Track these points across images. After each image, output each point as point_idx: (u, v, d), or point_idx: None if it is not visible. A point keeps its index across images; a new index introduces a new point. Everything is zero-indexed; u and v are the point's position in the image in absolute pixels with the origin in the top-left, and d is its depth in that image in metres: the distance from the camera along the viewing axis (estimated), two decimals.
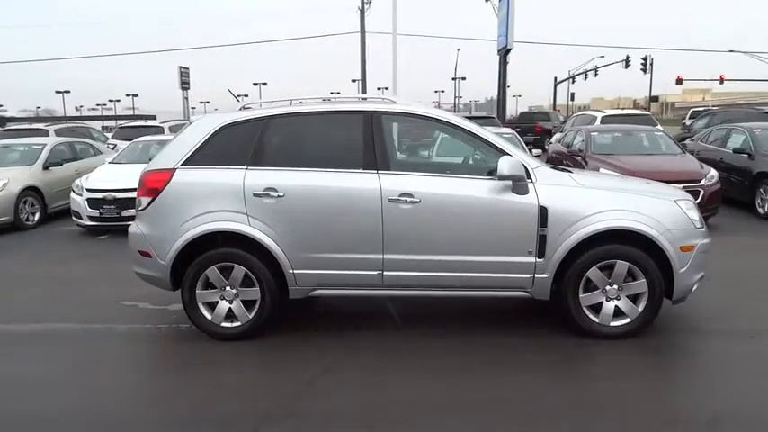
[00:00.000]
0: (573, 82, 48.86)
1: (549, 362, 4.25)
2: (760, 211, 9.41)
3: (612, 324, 4.51)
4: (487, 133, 4.67)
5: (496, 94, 29.42)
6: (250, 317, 4.62)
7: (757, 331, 4.69)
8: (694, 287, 4.57)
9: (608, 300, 4.51)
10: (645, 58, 39.57)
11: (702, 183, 8.56)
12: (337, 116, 4.74)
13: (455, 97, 65.55)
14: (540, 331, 4.74)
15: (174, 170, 4.62)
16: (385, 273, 4.51)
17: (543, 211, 4.37)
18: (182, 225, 4.54)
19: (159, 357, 4.65)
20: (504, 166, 4.29)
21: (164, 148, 4.96)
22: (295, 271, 4.54)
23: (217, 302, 4.65)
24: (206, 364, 4.36)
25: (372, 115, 4.61)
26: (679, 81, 46.78)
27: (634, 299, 4.50)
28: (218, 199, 4.54)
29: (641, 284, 4.45)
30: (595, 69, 44.91)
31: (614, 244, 4.42)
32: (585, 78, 46.61)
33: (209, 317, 4.66)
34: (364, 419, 3.48)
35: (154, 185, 4.65)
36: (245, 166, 4.58)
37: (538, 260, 4.43)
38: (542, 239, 4.40)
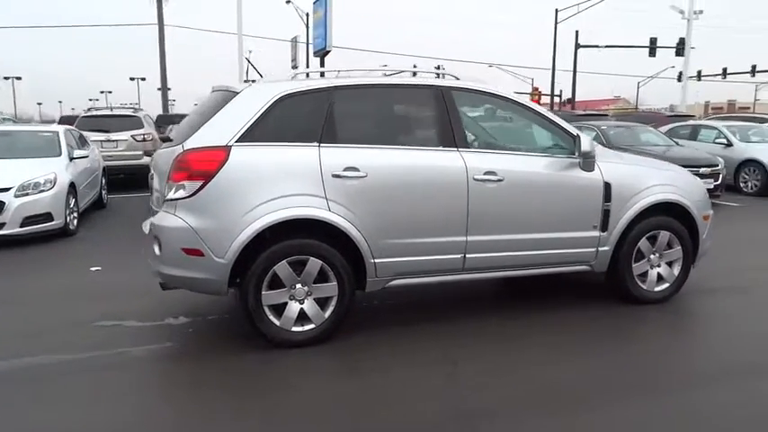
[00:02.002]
0: None
1: (601, 326, 4.48)
2: None
3: (656, 290, 4.88)
4: (548, 112, 4.71)
5: None
6: (326, 317, 4.00)
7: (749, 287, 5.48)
8: (707, 251, 5.17)
9: (652, 267, 4.87)
10: (438, 67, 42.94)
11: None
12: (407, 90, 4.36)
13: None
14: (574, 305, 4.92)
15: (229, 148, 3.80)
16: (467, 255, 4.28)
17: (607, 187, 4.56)
18: (246, 214, 3.75)
19: (204, 387, 3.76)
20: (585, 143, 4.37)
21: (197, 121, 4.05)
22: (376, 260, 4.05)
23: (285, 304, 3.94)
24: (301, 376, 3.66)
25: (444, 90, 4.33)
26: None
27: (670, 264, 4.92)
28: (291, 181, 3.86)
29: (677, 251, 4.89)
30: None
31: (659, 216, 4.79)
32: None
33: (277, 322, 3.92)
34: (545, 401, 3.27)
35: (204, 167, 3.76)
36: (316, 143, 3.96)
37: (602, 234, 4.60)
38: (606, 214, 4.59)
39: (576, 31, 32.47)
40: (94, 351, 3.99)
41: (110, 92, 72.68)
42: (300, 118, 4.05)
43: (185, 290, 4.21)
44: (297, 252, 3.88)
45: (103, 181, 10.59)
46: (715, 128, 12.94)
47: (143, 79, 63.03)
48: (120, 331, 4.41)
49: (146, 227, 4.34)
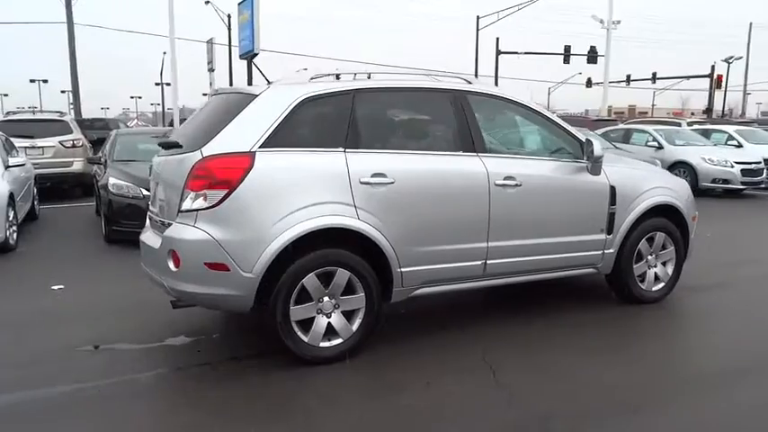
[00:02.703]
0: None
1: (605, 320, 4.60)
2: None
3: (654, 289, 5.03)
4: (555, 116, 4.75)
5: None
6: (353, 330, 3.82)
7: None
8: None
9: (649, 268, 5.02)
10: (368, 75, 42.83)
11: None
12: (427, 93, 4.25)
13: (165, 103, 60.38)
14: (579, 307, 5.00)
15: (253, 154, 3.55)
16: (488, 262, 4.23)
17: (613, 190, 4.65)
18: (275, 224, 3.51)
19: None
20: (597, 147, 4.44)
21: (208, 125, 3.75)
22: (402, 269, 3.92)
23: (312, 318, 3.72)
24: (335, 395, 3.46)
25: (460, 94, 4.26)
26: None
27: (665, 264, 5.09)
28: (319, 188, 3.66)
29: (671, 252, 5.07)
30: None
31: (655, 218, 4.94)
32: None
33: (305, 338, 3.69)
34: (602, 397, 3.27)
35: (228, 174, 3.49)
36: (342, 149, 3.77)
37: (607, 237, 4.69)
38: (611, 217, 4.68)
39: (497, 38, 33.55)
40: (98, 379, 3.60)
41: (5, 94, 67.25)
42: (324, 122, 3.85)
43: (187, 307, 3.91)
44: (325, 263, 3.67)
45: (35, 191, 9.75)
46: (646, 131, 13.69)
47: (45, 81, 58.89)
48: (119, 356, 4.02)
49: (148, 239, 3.99)
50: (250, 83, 26.71)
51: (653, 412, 3.20)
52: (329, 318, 3.76)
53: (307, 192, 3.61)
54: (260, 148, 3.58)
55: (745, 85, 43.97)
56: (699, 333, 4.65)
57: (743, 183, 12.18)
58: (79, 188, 12.33)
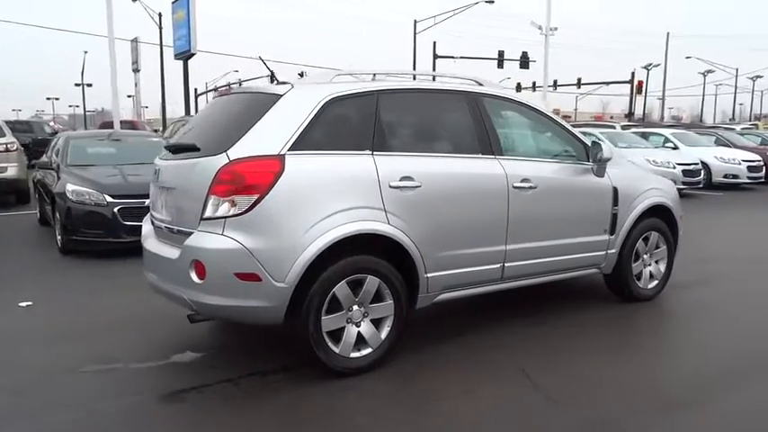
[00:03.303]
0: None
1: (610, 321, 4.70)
2: None
3: (649, 287, 5.18)
4: (561, 119, 4.80)
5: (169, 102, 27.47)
6: (382, 339, 3.69)
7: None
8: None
9: (645, 266, 5.16)
10: (301, 74, 42.31)
11: None
12: (446, 95, 4.18)
13: (84, 105, 57.20)
14: (583, 306, 5.09)
15: (283, 157, 3.36)
16: (506, 265, 4.21)
17: (615, 192, 4.75)
18: (308, 230, 3.34)
19: None
20: (607, 150, 4.51)
21: (225, 127, 3.53)
22: (429, 275, 3.83)
23: (342, 328, 3.57)
24: (378, 409, 3.32)
25: (476, 96, 4.23)
26: None
27: (657, 263, 5.25)
28: (350, 193, 3.52)
29: (663, 251, 5.24)
30: (239, 82, 45.69)
31: (650, 218, 5.09)
32: None
33: (336, 349, 3.53)
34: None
35: (258, 179, 3.29)
36: (369, 151, 3.65)
37: (610, 237, 4.79)
38: (614, 218, 4.78)
39: (434, 42, 34.06)
40: (108, 404, 3.30)
41: None
42: (350, 123, 3.72)
43: (204, 321, 3.67)
44: (356, 270, 3.53)
45: None
46: (592, 134, 14.20)
47: None
48: (124, 376, 3.71)
49: (157, 248, 3.72)
50: (186, 84, 25.93)
51: (696, 410, 3.26)
52: (359, 327, 3.62)
53: (338, 196, 3.46)
54: (289, 150, 3.40)
55: (664, 90, 46.67)
56: (698, 330, 4.81)
57: (684, 183, 12.83)
58: (13, 195, 11.50)
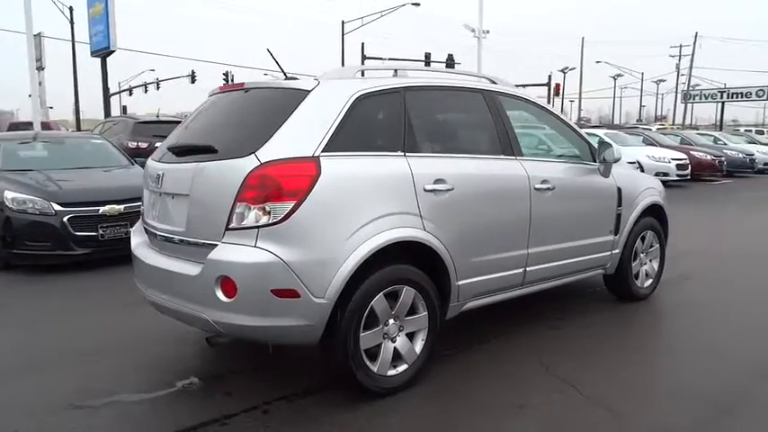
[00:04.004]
0: (130, 95, 46.37)
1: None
2: None
3: (645, 286, 5.21)
4: (567, 118, 4.71)
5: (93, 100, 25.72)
6: (417, 354, 3.44)
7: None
8: None
9: (641, 265, 5.18)
10: (226, 74, 41.01)
11: None
12: (465, 93, 3.96)
13: None
14: (583, 308, 5.05)
15: (317, 159, 3.04)
16: (527, 269, 4.06)
17: (619, 192, 4.73)
18: (347, 240, 3.04)
19: None
20: (617, 151, 4.47)
21: (243, 126, 3.17)
22: (459, 282, 3.62)
23: (379, 345, 3.28)
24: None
25: (495, 95, 4.06)
26: None
27: (651, 261, 5.29)
28: (388, 197, 3.24)
29: (657, 249, 5.29)
30: (157, 82, 43.79)
31: (647, 217, 5.11)
32: (146, 92, 44.88)
33: (374, 368, 3.25)
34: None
35: (294, 184, 2.95)
36: (401, 152, 3.39)
37: (615, 237, 4.76)
38: (618, 218, 4.76)
39: (363, 44, 33.87)
40: None
41: None
42: (380, 122, 3.44)
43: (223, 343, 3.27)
44: (394, 281, 3.26)
45: None
46: (535, 135, 14.49)
47: None
48: (128, 410, 3.24)
49: (161, 262, 3.31)
50: (105, 82, 24.33)
51: (745, 412, 3.24)
52: (394, 342, 3.35)
53: (376, 201, 3.18)
54: (322, 152, 3.08)
55: (581, 93, 48.84)
56: (700, 325, 4.87)
57: None
58: None
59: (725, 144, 20.61)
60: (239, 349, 4.03)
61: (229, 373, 3.72)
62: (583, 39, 43.93)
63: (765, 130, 41.64)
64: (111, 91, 45.52)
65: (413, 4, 33.75)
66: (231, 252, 2.93)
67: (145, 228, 3.73)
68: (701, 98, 42.97)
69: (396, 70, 3.74)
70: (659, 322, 4.84)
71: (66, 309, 5.10)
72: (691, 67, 47.60)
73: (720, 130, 33.30)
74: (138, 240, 3.79)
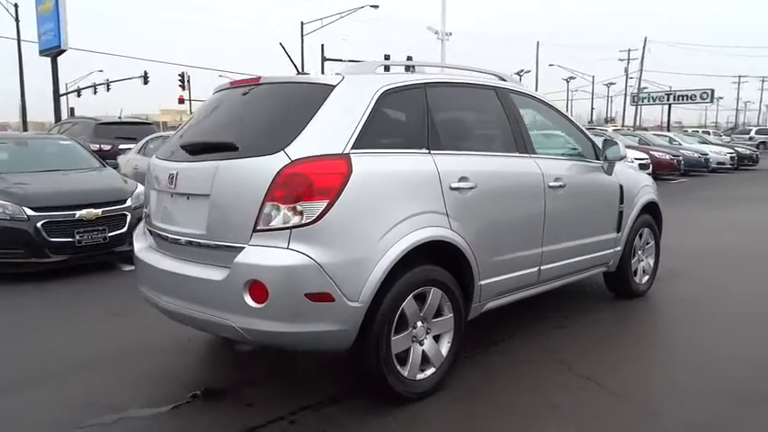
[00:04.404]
0: (78, 96, 44.65)
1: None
2: None
3: (643, 282, 5.26)
4: (571, 116, 4.70)
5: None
6: (444, 356, 3.35)
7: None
8: None
9: (639, 262, 5.23)
10: (182, 75, 39.98)
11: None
12: (480, 90, 3.90)
13: None
14: (582, 305, 5.07)
15: (347, 156, 2.92)
16: (542, 268, 4.03)
17: (621, 189, 4.76)
18: (380, 240, 2.93)
19: None
20: (623, 149, 4.50)
21: (275, 121, 3.01)
22: (482, 282, 3.55)
23: (408, 349, 3.17)
24: None
25: (506, 92, 4.01)
26: (181, 100, 48.55)
27: (647, 258, 5.36)
28: (416, 196, 3.15)
29: (652, 246, 5.35)
30: (107, 83, 42.32)
31: (644, 214, 5.16)
32: (95, 93, 43.30)
33: (404, 373, 3.14)
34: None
35: (327, 182, 2.82)
36: (426, 150, 3.30)
37: (617, 235, 4.79)
38: (620, 215, 4.79)
39: (322, 45, 33.64)
40: None
41: None
42: (404, 119, 3.34)
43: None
44: (423, 283, 3.16)
45: None
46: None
47: None
48: (143, 427, 3.04)
49: (168, 265, 3.13)
50: (56, 82, 23.34)
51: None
52: (422, 345, 3.25)
53: (406, 200, 3.08)
54: (351, 149, 2.96)
55: None
56: (703, 321, 4.94)
57: None
58: None
59: (680, 144, 21.32)
60: (246, 358, 3.85)
61: (243, 382, 3.55)
62: (538, 42, 44.87)
63: (711, 131, 43.42)
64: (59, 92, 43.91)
65: (371, 6, 33.68)
66: (261, 255, 2.77)
67: (150, 230, 3.52)
68: (649, 100, 44.50)
69: (412, 66, 3.64)
70: (662, 318, 4.89)
71: (50, 320, 4.79)
72: (641, 71, 49.21)
73: (668, 131, 34.50)
74: (142, 244, 3.57)
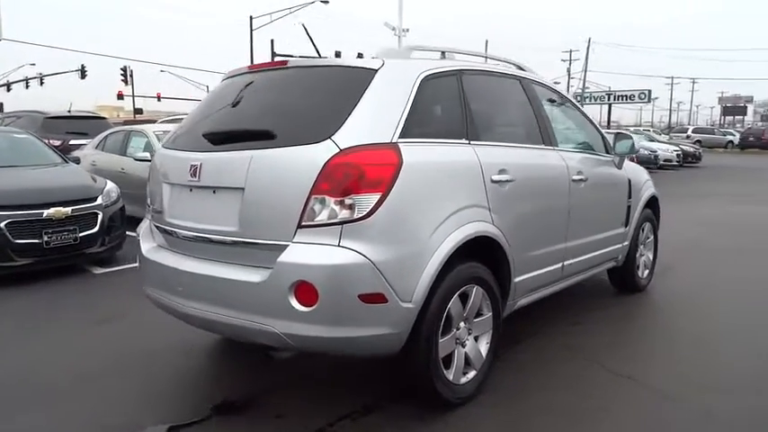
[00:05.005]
0: (8, 90, 42.07)
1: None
2: None
3: (644, 276, 5.26)
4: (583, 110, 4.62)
5: None
6: (484, 358, 3.18)
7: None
8: None
9: (641, 257, 5.22)
10: (124, 69, 38.23)
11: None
12: (508, 80, 3.75)
13: None
14: (585, 303, 5.02)
15: (396, 146, 2.70)
16: (565, 264, 3.93)
17: (629, 184, 4.73)
18: (431, 236, 2.72)
19: None
20: (637, 142, 4.43)
21: (312, 108, 2.76)
22: (516, 279, 3.40)
23: (453, 351, 2.98)
24: None
25: (530, 83, 3.89)
26: (120, 96, 46.60)
27: (647, 252, 5.36)
28: (461, 189, 2.97)
29: (652, 241, 5.36)
30: (40, 77, 40.11)
31: (646, 209, 5.14)
32: (27, 87, 40.95)
33: (449, 376, 2.95)
34: None
35: (379, 174, 2.59)
36: (466, 140, 3.12)
37: (625, 229, 4.75)
38: (628, 209, 4.75)
39: (272, 40, 32.90)
40: None
41: None
42: (443, 107, 3.15)
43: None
44: (467, 281, 2.98)
45: None
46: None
47: None
48: None
49: (192, 266, 2.84)
50: None
51: None
52: (464, 347, 3.07)
53: (452, 193, 2.90)
54: (399, 138, 2.74)
55: None
56: (707, 314, 4.97)
57: None
58: None
59: None
60: (259, 362, 3.57)
61: (265, 391, 3.27)
62: (486, 42, 45.40)
63: (651, 129, 45.13)
64: None
65: (322, 1, 33.22)
66: (309, 253, 2.52)
67: (160, 228, 3.19)
68: (590, 100, 45.89)
69: (443, 52, 3.45)
70: (667, 312, 4.87)
71: (29, 331, 4.33)
72: (585, 71, 50.61)
73: (608, 128, 35.67)
74: (151, 244, 3.24)
